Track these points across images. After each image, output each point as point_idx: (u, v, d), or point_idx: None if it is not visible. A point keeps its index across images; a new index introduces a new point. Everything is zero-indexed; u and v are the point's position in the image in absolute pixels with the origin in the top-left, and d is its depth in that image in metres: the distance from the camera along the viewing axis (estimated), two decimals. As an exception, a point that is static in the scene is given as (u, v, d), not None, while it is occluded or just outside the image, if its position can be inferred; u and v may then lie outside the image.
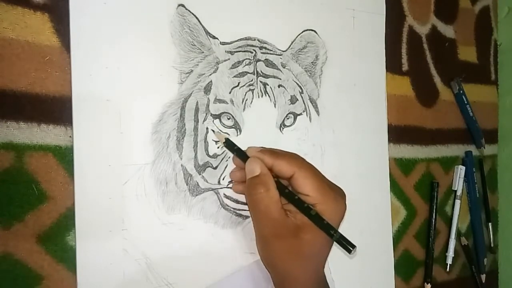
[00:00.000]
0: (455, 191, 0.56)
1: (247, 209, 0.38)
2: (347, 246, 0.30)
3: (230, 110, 0.38)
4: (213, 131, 0.37)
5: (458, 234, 0.56)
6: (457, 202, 0.55)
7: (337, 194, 0.33)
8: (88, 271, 0.32)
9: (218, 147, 0.37)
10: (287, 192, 0.32)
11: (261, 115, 0.39)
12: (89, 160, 0.32)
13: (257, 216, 0.32)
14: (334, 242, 0.32)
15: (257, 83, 0.39)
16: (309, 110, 0.42)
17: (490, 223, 0.60)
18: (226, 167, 0.37)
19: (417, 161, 0.52)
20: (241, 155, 0.35)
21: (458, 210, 0.55)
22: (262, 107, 0.39)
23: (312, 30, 0.43)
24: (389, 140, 0.49)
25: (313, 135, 0.42)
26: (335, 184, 0.34)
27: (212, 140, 0.37)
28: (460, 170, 0.55)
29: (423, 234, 0.52)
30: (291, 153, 0.35)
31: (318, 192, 0.32)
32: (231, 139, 0.36)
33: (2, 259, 0.29)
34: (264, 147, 0.35)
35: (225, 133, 0.38)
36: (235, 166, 0.37)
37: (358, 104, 0.46)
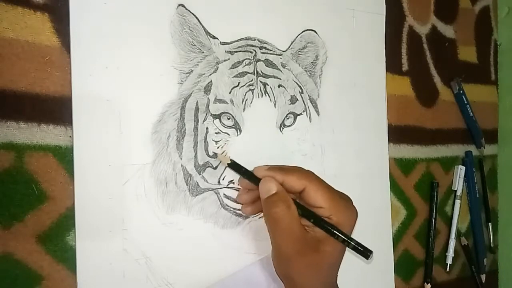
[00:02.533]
0: (455, 191, 0.56)
1: (247, 209, 0.38)
2: (367, 253, 0.32)
3: (230, 110, 0.38)
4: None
5: (458, 234, 0.56)
6: (457, 202, 0.55)
7: (348, 202, 0.34)
8: (88, 271, 0.32)
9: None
10: (302, 207, 0.33)
11: (261, 115, 0.39)
12: (89, 160, 0.32)
13: (278, 233, 0.32)
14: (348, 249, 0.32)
15: (257, 83, 0.39)
16: (309, 110, 0.42)
17: (490, 223, 0.60)
18: (226, 167, 0.37)
19: (417, 161, 0.52)
20: (249, 176, 0.35)
21: (458, 210, 0.55)
22: (262, 107, 0.39)
23: (312, 30, 0.43)
24: (389, 140, 0.49)
25: (313, 135, 0.42)
26: (342, 193, 0.34)
27: (213, 140, 0.37)
28: (460, 170, 0.55)
29: (423, 234, 0.52)
30: (299, 167, 0.35)
31: (331, 203, 0.32)
32: (235, 160, 0.36)
33: (2, 259, 0.29)
34: (271, 165, 0.35)
35: (224, 133, 0.38)
36: (241, 188, 0.37)
37: (358, 104, 0.46)
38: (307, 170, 0.34)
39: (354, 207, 0.34)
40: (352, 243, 0.32)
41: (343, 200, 0.33)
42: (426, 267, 0.52)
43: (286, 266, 0.33)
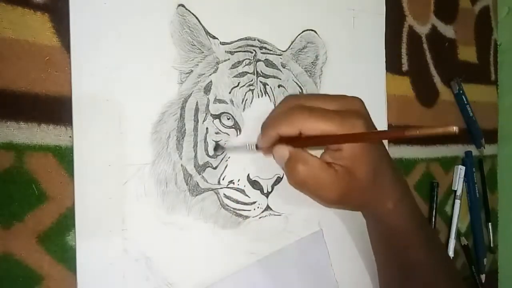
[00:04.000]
0: (455, 191, 0.56)
1: (247, 209, 0.38)
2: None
3: (230, 110, 0.38)
4: (220, 146, 0.37)
5: (458, 234, 0.56)
6: (457, 202, 0.55)
7: (353, 117, 0.30)
8: (88, 271, 0.32)
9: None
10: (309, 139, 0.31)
11: (261, 115, 0.39)
12: (89, 160, 0.32)
13: (315, 191, 0.31)
14: None
15: (257, 83, 0.39)
16: (309, 110, 0.42)
17: (490, 223, 0.60)
18: (226, 167, 0.37)
19: (417, 161, 0.52)
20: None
21: (458, 210, 0.55)
22: (262, 107, 0.39)
23: (312, 30, 0.43)
24: (389, 140, 0.49)
25: (313, 135, 0.42)
26: (345, 100, 0.32)
27: (212, 140, 0.37)
28: (460, 170, 0.55)
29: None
30: (288, 104, 0.33)
31: (333, 127, 0.30)
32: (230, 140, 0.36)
33: (2, 259, 0.29)
34: (261, 133, 0.34)
35: (224, 133, 0.38)
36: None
37: (358, 104, 0.46)
38: (297, 107, 0.32)
39: (361, 115, 0.31)
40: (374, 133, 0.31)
41: (345, 119, 0.30)
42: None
43: (341, 205, 0.33)
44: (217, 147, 0.37)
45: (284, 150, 0.31)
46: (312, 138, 0.31)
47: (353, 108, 0.32)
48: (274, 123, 0.32)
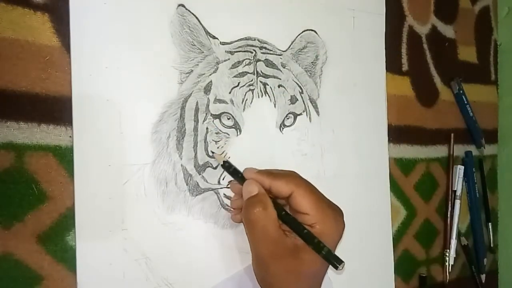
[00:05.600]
0: (455, 191, 0.56)
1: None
2: (334, 263, 0.30)
3: (230, 110, 0.38)
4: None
5: (458, 234, 0.56)
6: (457, 202, 0.55)
7: (336, 213, 0.33)
8: (88, 271, 0.32)
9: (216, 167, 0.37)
10: (283, 212, 0.32)
11: (261, 115, 0.39)
12: (89, 160, 0.32)
13: (255, 236, 0.31)
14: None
15: (257, 83, 0.39)
16: (309, 110, 0.42)
17: (490, 223, 0.60)
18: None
19: (417, 161, 0.52)
20: (238, 177, 0.34)
21: (458, 210, 0.55)
22: (262, 107, 0.39)
23: (312, 30, 0.43)
24: (389, 140, 0.49)
25: (313, 135, 0.42)
26: (333, 203, 0.33)
27: (213, 140, 0.37)
28: (459, 170, 0.55)
29: (423, 234, 0.52)
30: (289, 172, 0.34)
31: (317, 210, 0.31)
32: (230, 161, 0.35)
33: (2, 259, 0.29)
34: (261, 170, 0.34)
35: (224, 133, 0.38)
36: (234, 194, 0.37)
37: (358, 104, 0.46)
38: (297, 175, 0.34)
39: (343, 220, 0.33)
40: (323, 251, 0.30)
41: (331, 210, 0.32)
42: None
43: (264, 271, 0.31)
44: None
45: (255, 186, 0.32)
46: (284, 211, 0.32)
47: (338, 208, 0.34)
48: (273, 175, 0.33)
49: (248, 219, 0.31)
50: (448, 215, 0.54)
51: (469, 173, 0.56)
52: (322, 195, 0.33)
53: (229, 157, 0.38)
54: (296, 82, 0.42)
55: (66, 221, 0.31)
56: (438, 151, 0.54)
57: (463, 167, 0.56)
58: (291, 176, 0.33)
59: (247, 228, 0.32)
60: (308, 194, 0.32)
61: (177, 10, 0.36)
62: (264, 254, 0.31)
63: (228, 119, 0.38)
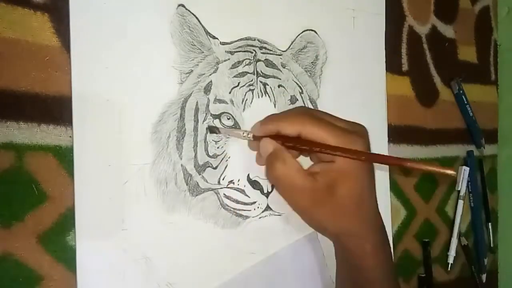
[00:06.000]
0: (459, 191, 0.56)
1: (247, 209, 0.38)
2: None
3: (230, 110, 0.38)
4: (215, 128, 0.36)
5: (459, 234, 0.56)
6: (460, 202, 0.55)
7: (355, 135, 0.30)
8: (88, 271, 0.32)
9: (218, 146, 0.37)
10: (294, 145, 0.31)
11: (261, 115, 0.39)
12: (89, 160, 0.32)
13: (286, 193, 0.31)
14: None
15: (257, 83, 0.39)
16: (309, 110, 0.42)
17: (490, 223, 0.60)
18: (226, 167, 0.37)
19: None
20: (250, 138, 0.34)
21: (461, 210, 0.55)
22: (262, 107, 0.39)
23: (312, 30, 0.43)
24: (389, 140, 0.49)
25: (313, 135, 0.42)
26: (352, 123, 0.32)
27: (212, 140, 0.37)
28: (464, 171, 0.55)
29: (423, 234, 0.52)
30: (296, 109, 0.33)
31: (333, 140, 0.29)
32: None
33: (2, 259, 0.29)
34: (266, 118, 0.33)
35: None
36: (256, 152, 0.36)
37: (358, 104, 0.46)
38: (303, 112, 0.32)
39: (365, 139, 0.31)
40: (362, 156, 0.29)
41: (348, 135, 0.30)
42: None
43: (310, 220, 0.31)
44: (212, 129, 0.37)
45: (269, 144, 0.31)
46: (308, 142, 0.30)
47: (357, 129, 0.31)
48: (277, 118, 0.32)
49: (273, 179, 0.31)
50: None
51: (472, 173, 0.56)
52: (335, 123, 0.31)
53: (229, 157, 0.38)
54: (296, 82, 0.42)
55: (66, 221, 0.31)
56: (438, 151, 0.54)
57: (468, 168, 0.55)
58: (297, 114, 0.31)
59: (276, 188, 0.32)
60: (316, 130, 0.30)
61: (177, 10, 0.36)
62: (303, 206, 0.30)
63: (228, 119, 0.38)
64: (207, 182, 0.37)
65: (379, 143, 0.48)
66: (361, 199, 0.30)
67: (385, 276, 0.32)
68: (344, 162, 0.29)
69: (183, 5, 0.36)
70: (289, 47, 0.42)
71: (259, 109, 0.39)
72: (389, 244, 0.34)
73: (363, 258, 0.31)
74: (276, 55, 0.41)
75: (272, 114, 0.34)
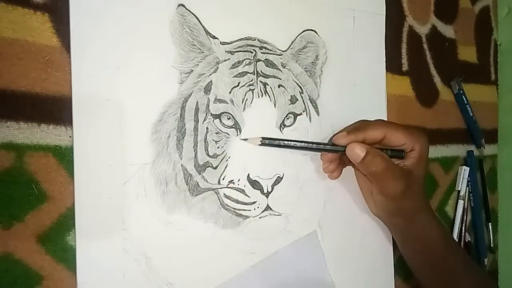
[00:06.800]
0: (459, 191, 0.56)
1: (247, 209, 0.38)
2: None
3: (230, 110, 0.38)
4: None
5: (460, 234, 0.56)
6: (460, 202, 0.55)
7: (421, 131, 0.41)
8: (88, 271, 0.32)
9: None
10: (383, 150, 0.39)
11: (261, 115, 0.39)
12: (89, 160, 0.32)
13: (388, 182, 0.38)
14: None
15: (257, 83, 0.39)
16: (309, 110, 0.42)
17: (490, 223, 0.60)
18: (226, 167, 0.37)
19: (417, 161, 0.52)
20: (331, 148, 0.39)
21: (461, 210, 0.55)
22: (262, 107, 0.39)
23: (312, 30, 0.43)
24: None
25: (313, 135, 0.42)
26: (414, 126, 0.41)
27: (213, 140, 0.37)
28: (464, 171, 0.55)
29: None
30: (375, 120, 0.40)
31: (409, 137, 0.39)
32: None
33: (2, 259, 0.29)
34: (347, 130, 0.38)
35: (224, 133, 0.38)
36: (324, 161, 0.41)
37: (358, 104, 0.46)
38: (383, 120, 0.40)
39: (426, 133, 0.41)
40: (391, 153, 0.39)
41: (417, 131, 0.40)
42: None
43: (399, 203, 0.39)
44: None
45: (362, 147, 0.37)
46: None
47: (420, 130, 0.42)
48: (362, 127, 0.38)
49: (375, 175, 0.38)
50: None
51: (472, 173, 0.56)
52: (404, 125, 0.40)
53: (229, 157, 0.38)
54: (296, 82, 0.42)
55: (66, 221, 0.31)
56: (438, 151, 0.54)
57: (468, 168, 0.55)
58: (377, 122, 0.39)
59: (377, 181, 0.39)
60: (396, 130, 0.38)
61: (177, 10, 0.36)
62: (399, 190, 0.38)
63: (228, 119, 0.38)
64: (207, 182, 0.37)
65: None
66: (422, 180, 0.41)
67: (446, 237, 0.43)
68: (419, 152, 0.39)
69: (183, 5, 0.36)
70: (289, 47, 0.42)
71: (259, 109, 0.39)
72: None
73: (429, 229, 0.42)
74: (276, 55, 0.41)
75: (353, 127, 0.39)
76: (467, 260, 0.44)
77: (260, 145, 0.37)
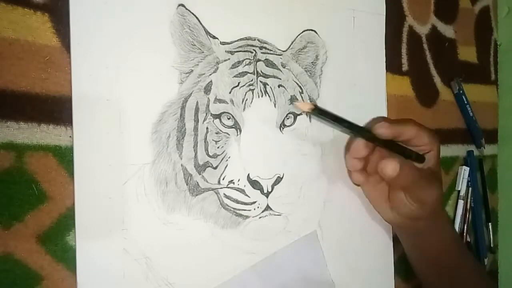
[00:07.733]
0: (459, 191, 0.56)
1: (247, 209, 0.38)
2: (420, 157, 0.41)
3: (230, 110, 0.38)
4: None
5: (460, 233, 0.56)
6: (460, 202, 0.55)
7: (435, 134, 0.41)
8: (88, 271, 0.32)
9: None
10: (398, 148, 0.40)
11: (261, 115, 0.39)
12: (89, 160, 0.32)
13: (423, 190, 0.39)
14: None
15: (257, 83, 0.39)
16: (309, 110, 0.42)
17: (490, 223, 0.60)
18: (226, 167, 0.37)
19: (417, 161, 0.52)
20: (364, 134, 0.38)
21: (461, 210, 0.55)
22: (262, 107, 0.39)
23: (312, 30, 0.43)
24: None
25: (313, 135, 0.42)
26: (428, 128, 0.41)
27: (213, 140, 0.37)
28: (464, 171, 0.55)
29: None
30: (406, 119, 0.41)
31: (431, 139, 0.40)
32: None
33: (2, 259, 0.29)
34: (387, 123, 0.38)
35: (224, 133, 0.38)
36: (349, 154, 0.40)
37: (358, 104, 0.46)
38: (411, 119, 0.40)
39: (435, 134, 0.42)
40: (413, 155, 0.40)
41: (433, 134, 0.41)
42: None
43: (428, 198, 0.40)
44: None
45: (395, 162, 0.36)
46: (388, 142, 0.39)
47: (432, 132, 0.42)
48: (399, 121, 0.39)
49: (413, 181, 0.38)
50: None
51: (472, 173, 0.56)
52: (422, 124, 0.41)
53: (229, 157, 0.38)
54: (296, 82, 0.42)
55: (66, 221, 0.31)
56: (438, 151, 0.54)
57: (468, 168, 0.55)
58: (410, 121, 0.40)
59: (412, 189, 0.39)
60: (424, 131, 0.40)
61: (177, 10, 0.36)
62: (436, 195, 0.40)
63: (228, 119, 0.38)
64: (207, 182, 0.37)
65: (379, 143, 0.48)
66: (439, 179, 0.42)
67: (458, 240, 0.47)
68: (436, 152, 0.41)
69: (183, 5, 0.36)
70: (289, 47, 0.42)
71: (259, 109, 0.39)
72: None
73: (445, 231, 0.44)
74: (276, 55, 0.41)
75: (392, 122, 0.39)
76: (478, 267, 0.46)
77: (310, 112, 0.35)
